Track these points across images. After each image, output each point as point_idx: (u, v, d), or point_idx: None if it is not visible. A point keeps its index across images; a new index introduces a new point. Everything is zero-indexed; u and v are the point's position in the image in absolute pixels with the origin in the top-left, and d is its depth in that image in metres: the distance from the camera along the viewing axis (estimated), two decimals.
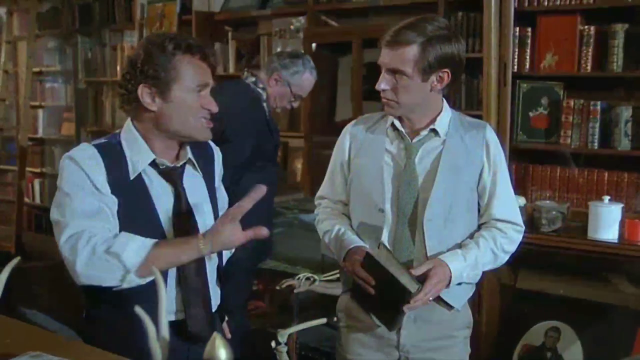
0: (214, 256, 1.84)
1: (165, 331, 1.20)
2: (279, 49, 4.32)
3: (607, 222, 2.96)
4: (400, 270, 1.88)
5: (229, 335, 1.97)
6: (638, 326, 2.98)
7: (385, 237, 1.99)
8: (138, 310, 1.18)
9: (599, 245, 2.96)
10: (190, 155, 1.83)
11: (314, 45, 4.22)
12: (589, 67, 3.16)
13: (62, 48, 6.18)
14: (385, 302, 1.93)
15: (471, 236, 2.03)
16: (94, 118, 5.95)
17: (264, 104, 3.23)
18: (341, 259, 2.03)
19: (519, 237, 2.06)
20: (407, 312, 1.91)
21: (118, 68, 5.62)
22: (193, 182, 1.83)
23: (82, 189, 1.68)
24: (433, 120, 2.01)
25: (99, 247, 1.63)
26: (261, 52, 4.61)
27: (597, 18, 3.14)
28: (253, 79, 3.25)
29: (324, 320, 3.01)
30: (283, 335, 2.95)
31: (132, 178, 1.74)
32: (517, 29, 3.26)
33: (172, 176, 1.78)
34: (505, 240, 2.02)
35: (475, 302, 3.05)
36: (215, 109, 1.78)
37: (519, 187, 3.25)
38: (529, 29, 3.27)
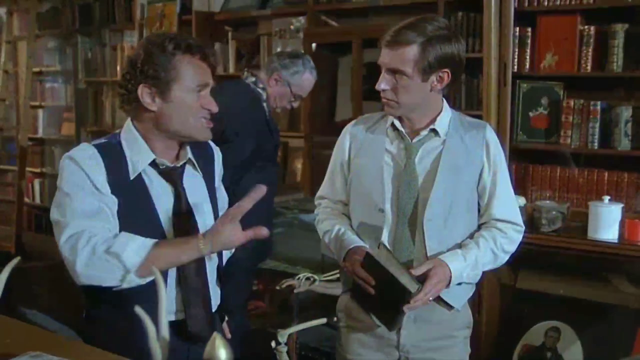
0: (214, 256, 1.84)
1: (165, 331, 1.20)
2: (279, 49, 4.32)
3: (607, 222, 2.96)
4: (400, 270, 1.88)
5: (229, 335, 1.97)
6: (638, 326, 2.98)
7: (385, 237, 1.99)
8: (138, 310, 1.18)
9: (599, 245, 2.96)
10: (190, 155, 1.83)
11: (314, 45, 4.22)
12: (589, 67, 3.16)
13: (62, 48, 6.18)
14: (385, 302, 1.93)
15: (471, 236, 2.03)
16: (94, 118, 5.95)
17: (264, 104, 3.23)
18: (341, 259, 2.03)
19: (519, 237, 2.06)
20: (407, 312, 1.91)
21: (118, 68, 5.62)
22: (193, 182, 1.83)
23: (82, 189, 1.68)
24: (433, 120, 2.01)
25: (99, 247, 1.63)
26: (261, 52, 4.61)
27: (597, 18, 3.14)
28: (253, 79, 3.25)
29: (324, 320, 3.01)
30: (283, 335, 2.95)
31: (132, 178, 1.74)
32: (517, 29, 3.26)
33: (172, 176, 1.78)
34: (505, 240, 2.02)
35: (475, 302, 3.05)
36: (215, 109, 1.78)
37: (519, 187, 3.25)
38: (529, 29, 3.27)
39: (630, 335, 2.98)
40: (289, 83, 3.22)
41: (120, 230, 1.70)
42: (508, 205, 2.05)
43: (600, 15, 3.13)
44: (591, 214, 3.00)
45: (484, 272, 2.07)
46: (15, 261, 1.37)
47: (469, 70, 3.45)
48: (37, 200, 6.44)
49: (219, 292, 1.92)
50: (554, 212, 3.09)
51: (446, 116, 2.03)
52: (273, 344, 2.96)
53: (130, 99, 1.75)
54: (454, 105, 2.74)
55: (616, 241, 2.96)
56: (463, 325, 2.11)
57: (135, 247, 1.64)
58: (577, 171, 3.25)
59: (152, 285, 1.37)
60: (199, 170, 1.86)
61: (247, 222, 1.69)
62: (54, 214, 1.70)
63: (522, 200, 3.05)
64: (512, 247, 2.06)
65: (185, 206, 1.78)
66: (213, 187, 1.91)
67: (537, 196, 3.32)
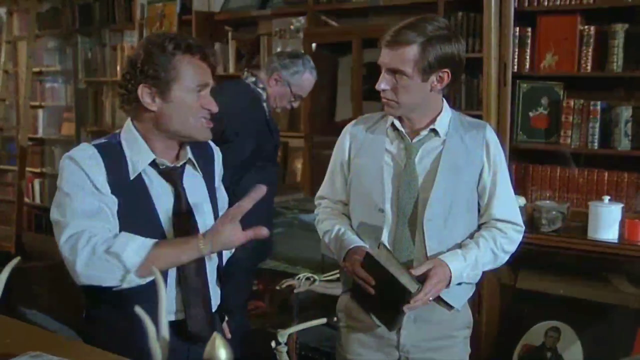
0: (214, 256, 1.84)
1: (165, 331, 1.20)
2: (279, 49, 4.32)
3: (607, 222, 2.96)
4: (400, 270, 1.88)
5: (229, 335, 1.97)
6: (638, 326, 2.98)
7: (385, 237, 1.99)
8: (138, 310, 1.18)
9: (599, 245, 2.96)
10: (190, 155, 1.83)
11: (314, 45, 4.22)
12: (589, 67, 3.16)
13: (62, 48, 6.18)
14: (385, 302, 1.93)
15: (471, 236, 2.03)
16: (94, 118, 5.95)
17: (264, 104, 3.23)
18: (341, 259, 2.03)
19: (519, 237, 2.06)
20: (407, 312, 1.91)
21: (118, 68, 5.62)
22: (193, 182, 1.83)
23: (82, 189, 1.68)
24: (433, 120, 2.01)
25: (99, 247, 1.63)
26: (261, 52, 4.61)
27: (597, 18, 3.14)
28: (253, 79, 3.25)
29: (324, 320, 3.01)
30: (283, 335, 2.95)
31: (132, 178, 1.74)
32: (517, 29, 3.26)
33: (172, 176, 1.78)
34: (505, 240, 2.02)
35: (475, 302, 3.05)
36: (215, 109, 1.78)
37: (519, 187, 3.25)
38: (529, 29, 3.27)
39: (630, 335, 2.98)
40: (289, 83, 3.22)
41: (120, 230, 1.70)
42: (508, 205, 2.05)
43: (600, 15, 3.13)
44: (591, 214, 3.00)
45: (484, 272, 2.07)
46: (15, 261, 1.37)
47: (469, 70, 3.45)
48: (37, 200, 6.44)
49: (219, 292, 1.92)
50: (554, 212, 3.09)
51: (446, 116, 2.03)
52: (273, 344, 2.96)
53: (130, 99, 1.75)
54: (454, 105, 2.74)
55: (616, 241, 2.96)
56: (463, 325, 2.11)
57: (135, 247, 1.64)
58: (577, 171, 3.25)
59: (152, 285, 1.37)
60: (199, 170, 1.86)
61: (247, 222, 1.69)
62: (54, 214, 1.70)
63: (522, 200, 3.05)
64: (512, 247, 2.06)
65: (185, 206, 1.78)
66: (213, 187, 1.91)
67: (537, 196, 3.32)
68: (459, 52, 1.95)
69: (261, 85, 3.23)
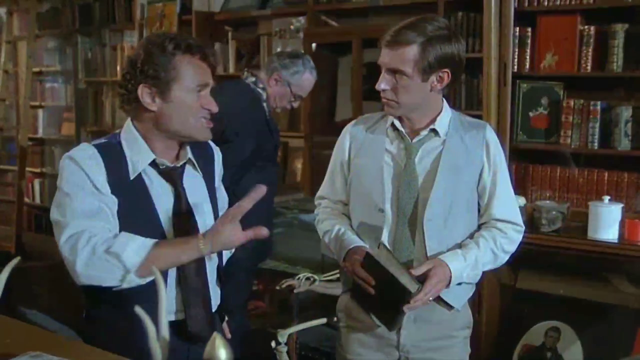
0: (214, 256, 1.84)
1: (165, 331, 1.20)
2: (279, 49, 4.32)
3: (607, 222, 2.96)
4: (400, 270, 1.88)
5: (229, 335, 1.97)
6: (638, 326, 2.98)
7: (385, 237, 1.99)
8: (138, 310, 1.18)
9: (599, 245, 2.96)
10: (190, 155, 1.83)
11: (314, 45, 4.22)
12: (589, 67, 3.16)
13: (62, 48, 6.18)
14: (385, 302, 1.93)
15: (471, 236, 2.03)
16: (94, 118, 5.95)
17: (264, 104, 3.23)
18: (341, 259, 2.03)
19: (519, 237, 2.06)
20: (407, 312, 1.91)
21: (118, 68, 5.62)
22: (193, 182, 1.83)
23: (82, 189, 1.68)
24: (433, 120, 2.01)
25: (99, 247, 1.63)
26: (261, 52, 4.61)
27: (597, 18, 3.14)
28: (253, 79, 3.25)
29: (324, 320, 3.01)
30: (283, 335, 2.95)
31: (132, 178, 1.74)
32: (517, 29, 3.26)
33: (172, 176, 1.78)
34: (505, 240, 2.02)
35: (475, 302, 3.05)
36: (215, 109, 1.78)
37: (519, 187, 3.25)
38: (529, 29, 3.27)
39: (630, 335, 2.98)
40: (289, 83, 3.22)
41: (120, 230, 1.69)
42: (508, 205, 2.05)
43: (600, 15, 3.13)
44: (591, 214, 3.00)
45: (484, 272, 2.07)
46: (15, 261, 1.37)
47: (469, 70, 3.45)
48: (37, 200, 6.44)
49: (219, 292, 1.92)
50: (554, 212, 3.09)
51: (446, 116, 2.03)
52: (273, 344, 2.96)
53: (130, 99, 1.75)
54: (454, 105, 2.73)
55: (616, 241, 2.96)
56: (463, 325, 2.11)
57: (135, 247, 1.64)
58: (577, 171, 3.25)
59: (152, 285, 1.37)
60: (199, 170, 1.86)
61: (247, 222, 1.69)
62: (54, 214, 1.70)
63: (522, 200, 3.05)
64: (512, 247, 2.06)
65: (185, 206, 1.78)
66: (213, 187, 1.91)
67: (537, 196, 3.32)
68: (459, 52, 1.95)
69: (261, 85, 3.23)
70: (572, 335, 3.10)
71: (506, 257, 2.06)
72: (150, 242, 1.66)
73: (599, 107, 3.14)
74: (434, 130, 2.01)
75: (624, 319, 3.02)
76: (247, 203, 1.68)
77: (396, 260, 1.90)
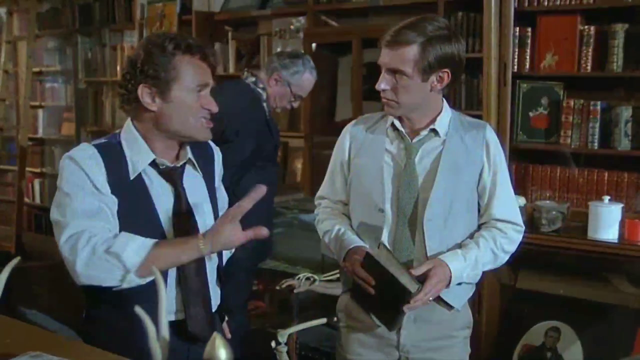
0: (214, 256, 1.84)
1: (165, 331, 1.20)
2: (279, 49, 4.32)
3: (607, 222, 2.96)
4: (400, 270, 1.88)
5: (229, 335, 1.97)
6: (638, 326, 2.98)
7: (385, 237, 1.99)
8: (138, 310, 1.18)
9: (599, 245, 2.96)
10: (190, 155, 1.83)
11: (314, 45, 4.22)
12: (589, 67, 3.16)
13: (62, 48, 6.19)
14: (385, 302, 1.93)
15: (471, 236, 2.03)
16: (94, 118, 5.95)
17: (264, 104, 3.23)
18: (341, 259, 2.03)
19: (519, 237, 2.06)
20: (407, 312, 1.91)
21: (118, 68, 5.62)
22: (193, 182, 1.83)
23: (82, 189, 1.68)
24: (433, 120, 2.01)
25: (99, 247, 1.63)
26: (261, 52, 4.61)
27: (597, 18, 3.14)
28: (253, 79, 3.25)
29: (324, 320, 3.01)
30: (283, 335, 2.95)
31: (132, 178, 1.74)
32: (517, 29, 3.26)
33: (172, 176, 1.78)
34: (505, 240, 2.02)
35: (475, 302, 3.05)
36: (215, 109, 1.78)
37: (519, 187, 3.25)
38: (529, 29, 3.27)
39: (630, 335, 2.98)
40: (289, 83, 3.22)
41: (120, 230, 1.69)
42: (508, 205, 2.05)
43: (600, 15, 3.13)
44: (591, 214, 3.00)
45: (484, 272, 2.07)
46: (15, 261, 1.37)
47: (469, 70, 3.45)
48: (37, 200, 6.44)
49: (219, 292, 1.92)
50: (554, 212, 3.09)
51: (446, 116, 2.03)
52: (273, 344, 2.96)
53: (130, 99, 1.75)
54: (454, 105, 2.73)
55: (616, 241, 2.96)
56: (463, 325, 2.11)
57: (135, 247, 1.64)
58: (577, 171, 3.25)
59: (152, 285, 1.37)
60: (199, 170, 1.86)
61: (247, 222, 1.69)
62: (54, 214, 1.70)
63: (522, 200, 3.05)
64: (512, 247, 2.06)
65: (185, 206, 1.78)
66: (213, 187, 1.91)
67: (537, 196, 3.32)
68: (459, 52, 1.95)
69: (261, 85, 3.23)
70: (572, 335, 3.10)
71: (506, 257, 2.06)
72: (150, 242, 1.66)
73: (599, 107, 3.14)
74: (434, 130, 2.01)
75: (624, 319, 3.02)
76: (247, 203, 1.68)
77: (396, 260, 1.90)
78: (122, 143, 1.77)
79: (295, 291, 3.22)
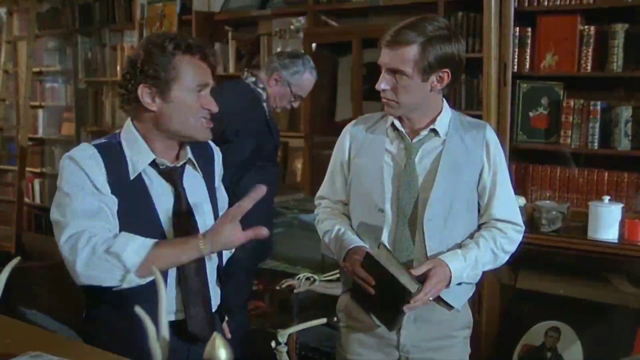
0: (214, 256, 1.84)
1: (165, 331, 1.20)
2: (279, 49, 4.32)
3: (607, 222, 2.96)
4: (400, 270, 1.88)
5: (229, 335, 1.97)
6: (638, 326, 2.98)
7: (385, 237, 1.99)
8: (138, 310, 1.18)
9: (599, 245, 2.96)
10: (190, 155, 1.83)
11: (314, 45, 4.22)
12: (589, 67, 3.16)
13: (62, 48, 6.19)
14: (385, 302, 1.93)
15: (471, 236, 2.03)
16: (94, 118, 5.95)
17: (264, 104, 3.23)
18: (341, 259, 2.03)
19: (519, 237, 2.06)
20: (407, 312, 1.91)
21: (118, 68, 5.62)
22: (193, 182, 1.83)
23: (82, 189, 1.68)
24: (433, 120, 2.01)
25: (99, 247, 1.63)
26: (261, 52, 4.61)
27: (597, 18, 3.14)
28: (253, 79, 3.25)
29: (324, 320, 3.01)
30: (283, 335, 2.95)
31: (132, 178, 1.74)
32: (517, 29, 3.26)
33: (172, 176, 1.79)
34: (505, 240, 2.02)
35: (475, 302, 3.05)
36: (215, 109, 1.78)
37: (519, 187, 3.25)
38: (529, 29, 3.27)
39: (630, 335, 2.98)
40: (289, 83, 3.22)
41: (120, 230, 1.69)
42: (508, 205, 2.05)
43: (600, 15, 3.13)
44: (591, 214, 3.00)
45: (484, 272, 2.07)
46: (15, 261, 1.37)
47: (469, 70, 3.45)
48: (37, 200, 6.44)
49: (219, 292, 1.92)
50: (554, 212, 3.09)
51: (446, 116, 2.03)
52: (273, 344, 2.96)
53: (130, 99, 1.75)
54: (454, 105, 2.73)
55: (616, 241, 2.96)
56: (463, 325, 2.11)
57: (135, 247, 1.64)
58: (577, 171, 3.25)
59: (152, 285, 1.37)
60: (199, 170, 1.86)
61: (247, 222, 1.69)
62: (54, 214, 1.70)
63: (522, 200, 3.05)
64: (512, 247, 2.06)
65: (185, 206, 1.78)
66: (213, 187, 1.91)
67: (537, 196, 3.32)
68: (459, 52, 1.95)
69: (261, 85, 3.23)
70: (572, 335, 3.10)
71: (506, 257, 2.06)
72: (150, 242, 1.66)
73: (599, 107, 3.14)
74: (434, 130, 2.01)
75: (624, 319, 3.02)
76: (247, 203, 1.68)
77: (396, 260, 1.90)
78: (122, 143, 1.77)
79: (295, 291, 3.22)
